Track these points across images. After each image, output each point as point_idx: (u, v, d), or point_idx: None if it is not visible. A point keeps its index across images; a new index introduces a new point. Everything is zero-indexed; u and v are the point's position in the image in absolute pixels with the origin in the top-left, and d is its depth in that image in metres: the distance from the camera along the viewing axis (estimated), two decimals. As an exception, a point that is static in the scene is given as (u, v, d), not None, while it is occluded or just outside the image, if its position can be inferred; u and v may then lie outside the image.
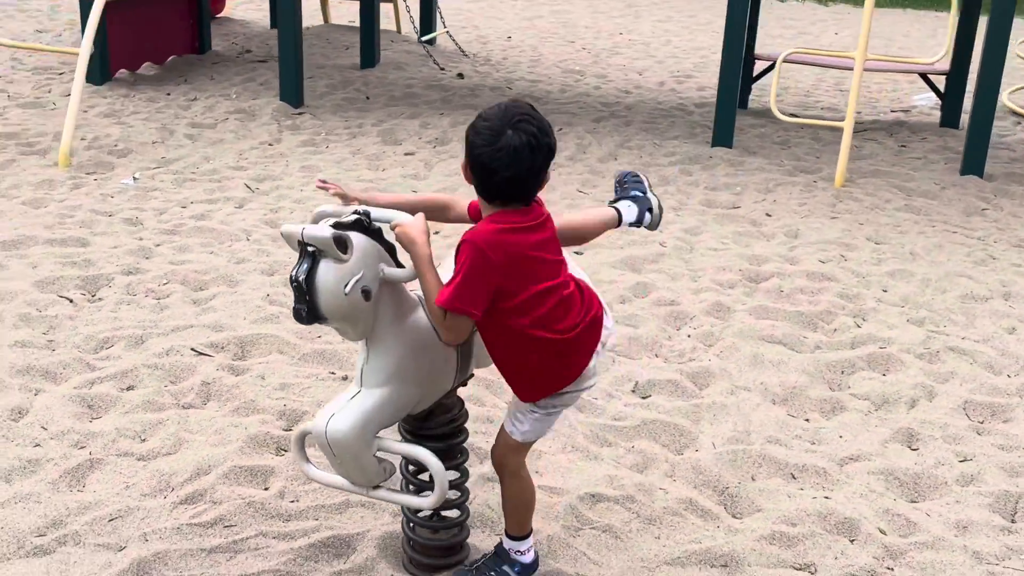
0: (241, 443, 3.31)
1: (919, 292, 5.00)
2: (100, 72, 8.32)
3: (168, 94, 8.20)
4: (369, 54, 9.60)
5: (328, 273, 2.30)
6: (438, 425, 2.71)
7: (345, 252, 2.31)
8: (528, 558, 2.82)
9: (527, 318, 2.48)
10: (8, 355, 3.80)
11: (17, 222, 5.21)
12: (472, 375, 2.81)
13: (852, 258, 5.41)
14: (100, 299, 4.40)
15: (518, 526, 2.81)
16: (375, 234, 2.44)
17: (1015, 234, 5.91)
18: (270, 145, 7.00)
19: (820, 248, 5.52)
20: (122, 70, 8.72)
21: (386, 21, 12.20)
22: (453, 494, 2.79)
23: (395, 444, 2.52)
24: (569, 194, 6.20)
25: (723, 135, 7.27)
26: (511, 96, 8.56)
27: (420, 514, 2.79)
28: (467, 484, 2.87)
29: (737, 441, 3.63)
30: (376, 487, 2.54)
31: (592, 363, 2.64)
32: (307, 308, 2.31)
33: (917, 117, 8.98)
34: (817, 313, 4.71)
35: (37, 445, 3.27)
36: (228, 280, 4.66)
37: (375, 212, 2.48)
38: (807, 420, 3.86)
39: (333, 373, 3.88)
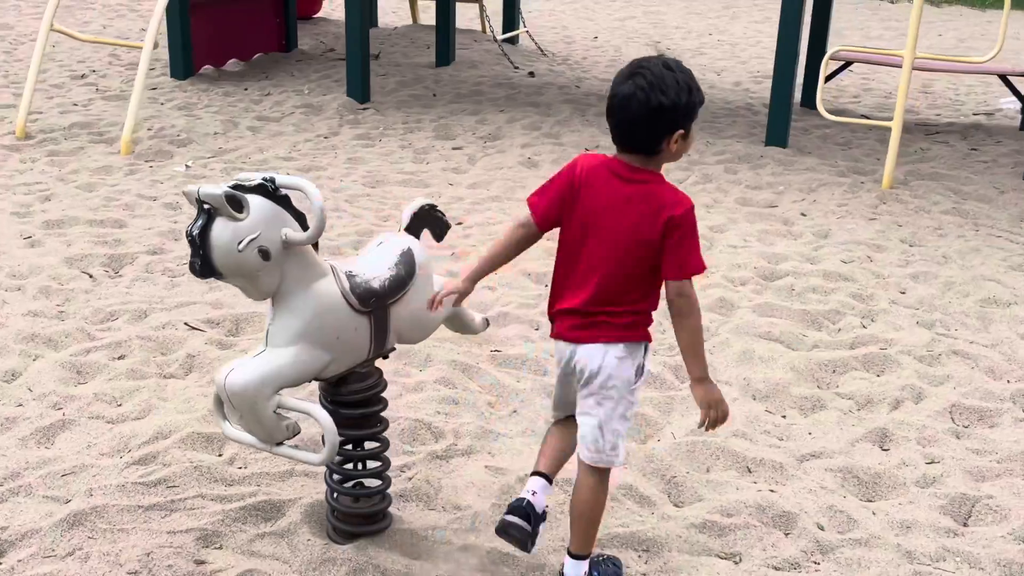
0: (205, 411, 3.49)
1: (938, 295, 4.86)
2: (183, 67, 8.74)
3: (245, 89, 8.54)
4: (444, 52, 9.78)
5: (222, 230, 2.43)
6: (351, 392, 2.81)
7: (240, 212, 2.43)
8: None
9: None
10: (19, 323, 4.08)
11: (67, 203, 5.55)
12: (394, 348, 2.90)
13: (878, 259, 5.28)
14: (120, 276, 4.67)
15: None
16: (281, 200, 2.56)
17: (1065, 239, 5.67)
18: (325, 138, 7.24)
19: (846, 249, 5.40)
20: (207, 66, 9.12)
21: (472, 22, 12.41)
22: (374, 464, 2.90)
23: (292, 401, 2.61)
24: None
25: (776, 134, 7.16)
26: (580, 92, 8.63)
27: (340, 482, 2.89)
28: (413, 461, 2.96)
29: (701, 433, 3.62)
30: (279, 443, 2.65)
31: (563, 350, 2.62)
32: (200, 261, 2.45)
33: (1000, 120, 8.64)
34: (824, 312, 4.64)
35: (20, 405, 3.51)
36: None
37: (281, 179, 2.60)
38: (783, 417, 3.82)
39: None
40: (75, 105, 7.78)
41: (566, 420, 2.75)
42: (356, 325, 2.70)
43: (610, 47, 11.65)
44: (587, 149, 6.98)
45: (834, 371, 4.15)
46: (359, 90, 8.20)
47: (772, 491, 3.28)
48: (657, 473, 3.39)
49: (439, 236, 3.08)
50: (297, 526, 2.94)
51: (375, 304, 2.72)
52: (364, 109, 8.03)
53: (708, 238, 5.49)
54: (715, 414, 2.56)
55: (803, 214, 5.96)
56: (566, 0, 15.92)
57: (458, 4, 12.36)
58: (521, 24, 11.26)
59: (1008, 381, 4.07)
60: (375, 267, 2.78)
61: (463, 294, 2.65)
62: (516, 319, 4.46)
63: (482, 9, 11.65)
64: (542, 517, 2.69)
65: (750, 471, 3.44)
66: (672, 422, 3.72)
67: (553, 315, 2.66)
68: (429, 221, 3.04)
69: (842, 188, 6.39)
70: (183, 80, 8.68)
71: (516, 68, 9.86)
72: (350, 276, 2.69)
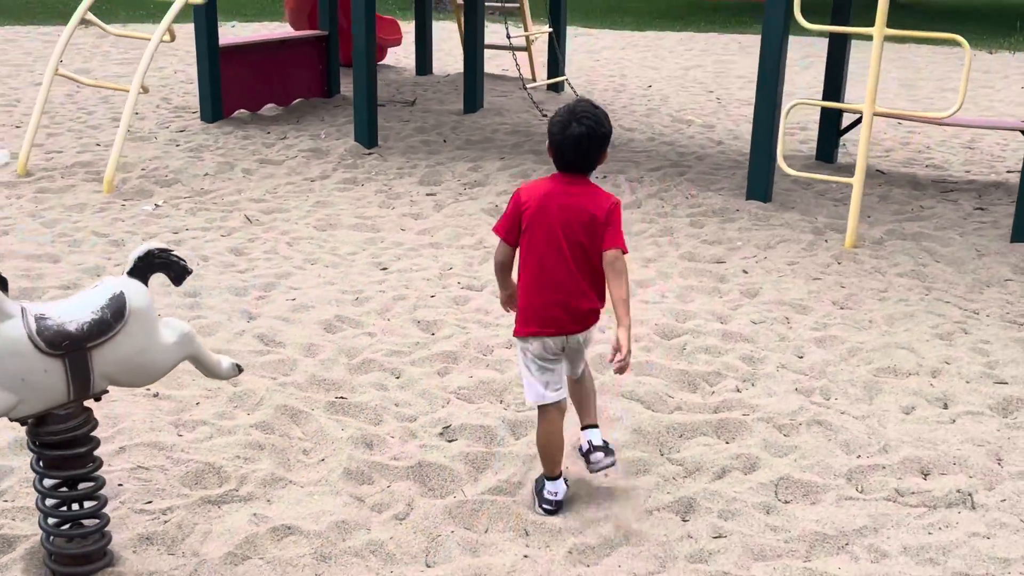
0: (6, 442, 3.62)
1: (835, 361, 4.60)
2: (212, 111, 9.13)
3: (268, 133, 8.85)
4: (472, 99, 9.90)
5: None
6: (51, 433, 2.87)
7: None
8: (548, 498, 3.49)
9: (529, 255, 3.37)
10: None
11: (16, 239, 5.86)
12: (106, 391, 2.95)
13: (795, 321, 5.05)
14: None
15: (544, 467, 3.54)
16: None
17: (1020, 308, 5.28)
18: (311, 181, 7.42)
19: (766, 309, 5.19)
20: (241, 110, 9.50)
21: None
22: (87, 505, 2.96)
23: None
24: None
25: (756, 188, 6.95)
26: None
27: (54, 524, 2.95)
28: (181, 504, 2.98)
29: (491, 490, 3.54)
30: None
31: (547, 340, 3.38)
32: None
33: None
34: (704, 374, 4.46)
35: None
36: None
37: None
38: (605, 475, 3.68)
39: (148, 389, 4.11)
40: (97, 145, 8.22)
41: (559, 413, 3.47)
42: (46, 367, 2.77)
43: (658, 96, 11.54)
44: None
45: (681, 435, 3.98)
46: (365, 135, 8.38)
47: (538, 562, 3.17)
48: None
49: (177, 280, 3.13)
50: (14, 562, 3.01)
51: (68, 347, 2.77)
52: (368, 154, 8.20)
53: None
54: (631, 359, 3.33)
55: (744, 271, 5.75)
56: (639, 46, 15.87)
57: (505, 51, 12.52)
58: (563, 70, 11.26)
59: (857, 456, 3.82)
60: (76, 310, 2.84)
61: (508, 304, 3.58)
62: (379, 366, 4.45)
63: (530, 57, 11.75)
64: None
65: (527, 533, 3.34)
66: (478, 479, 3.65)
67: (542, 317, 3.36)
68: (161, 266, 3.08)
69: (801, 246, 6.14)
70: (211, 123, 9.05)
71: (544, 115, 9.88)
72: (40, 318, 2.76)
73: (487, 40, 11.87)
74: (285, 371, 4.37)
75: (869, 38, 6.13)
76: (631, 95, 11.60)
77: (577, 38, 16.65)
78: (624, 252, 3.34)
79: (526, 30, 11.61)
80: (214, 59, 8.99)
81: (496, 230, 3.45)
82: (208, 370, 3.22)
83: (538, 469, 3.63)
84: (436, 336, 4.79)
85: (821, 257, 5.96)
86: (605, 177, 7.59)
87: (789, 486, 3.62)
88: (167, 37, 7.37)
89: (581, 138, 3.28)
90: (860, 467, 3.73)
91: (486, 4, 11.75)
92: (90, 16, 7.43)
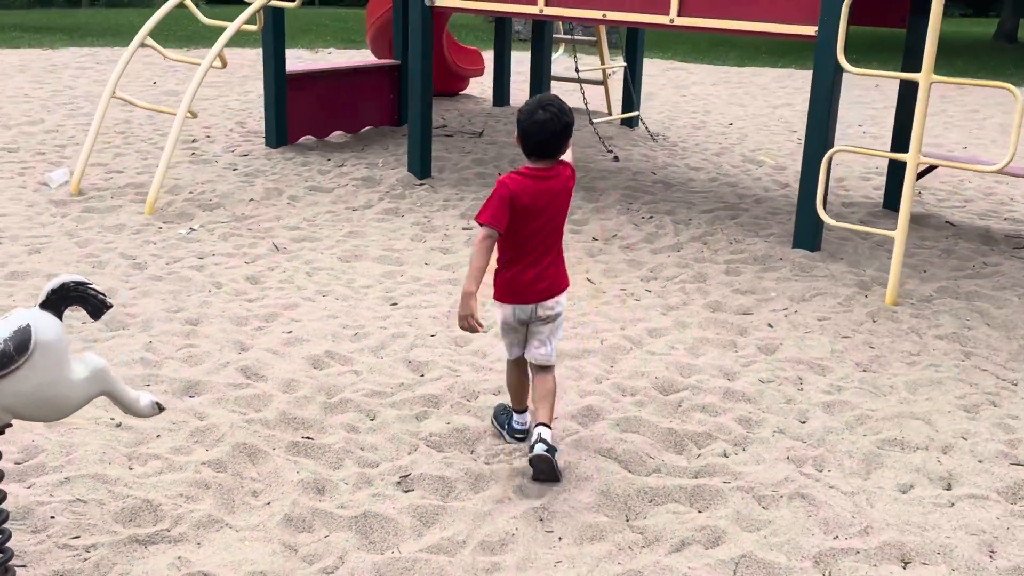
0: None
1: (840, 429, 4.28)
2: (276, 137, 9.23)
3: (328, 160, 8.90)
4: (535, 132, 9.76)
5: None
6: (-51, 467, 2.84)
7: None
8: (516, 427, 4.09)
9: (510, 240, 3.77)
10: None
11: (46, 257, 5.98)
12: (9, 424, 2.90)
13: (808, 383, 4.74)
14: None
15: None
16: None
17: (1065, 380, 4.85)
18: (353, 210, 7.41)
19: (780, 367, 4.89)
20: (308, 136, 9.59)
21: (600, 103, 12.35)
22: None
23: None
24: (583, 247, 5.98)
25: (803, 236, 6.61)
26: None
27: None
28: (108, 541, 2.93)
29: (430, 548, 3.37)
30: None
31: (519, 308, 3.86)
32: None
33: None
34: (694, 434, 4.21)
35: None
36: (131, 320, 5.05)
37: None
38: (560, 539, 3.48)
39: (113, 418, 4.09)
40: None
41: (520, 363, 4.01)
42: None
43: (736, 135, 11.22)
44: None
45: (651, 500, 3.75)
46: (418, 166, 8.34)
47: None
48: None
49: (95, 314, 3.07)
50: (-76, 589, 2.98)
51: (-36, 379, 2.74)
52: (419, 185, 8.15)
53: (635, 341, 5.14)
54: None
55: (769, 325, 5.45)
56: (731, 82, 15.52)
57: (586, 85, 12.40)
58: (637, 105, 11.05)
59: (834, 537, 3.52)
60: (-23, 342, 2.81)
61: (471, 312, 3.71)
62: (356, 407, 4.34)
63: (607, 92, 11.58)
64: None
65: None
66: (421, 533, 3.49)
67: (519, 290, 3.83)
68: (77, 299, 3.03)
69: (838, 300, 5.80)
70: (275, 148, 9.16)
71: (609, 151, 9.70)
72: (-64, 350, 2.73)
73: (564, 72, 11.77)
74: (257, 407, 4.29)
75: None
76: (708, 132, 11.30)
77: (669, 72, 16.43)
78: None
79: (602, 63, 11.45)
80: (280, 85, 9.10)
81: (485, 219, 3.70)
82: (125, 408, 3.15)
83: (491, 525, 3.48)
84: (424, 378, 4.65)
85: (856, 313, 5.61)
86: (652, 217, 7.36)
87: (750, 565, 3.35)
88: (218, 63, 7.46)
89: (546, 123, 3.66)
90: (833, 549, 3.42)
91: (564, 36, 11.66)
92: (149, 40, 7.59)
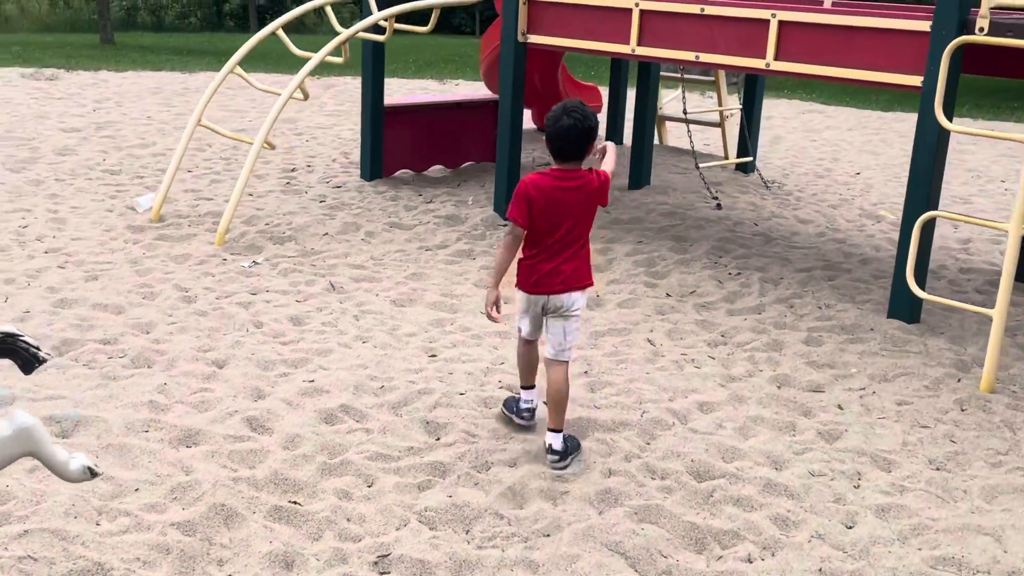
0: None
1: (889, 539, 3.73)
2: (370, 170, 9.12)
3: (419, 194, 8.72)
4: (636, 174, 9.36)
5: None
6: None
7: None
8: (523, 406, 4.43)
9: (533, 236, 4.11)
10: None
11: (100, 285, 5.95)
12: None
13: (867, 479, 4.19)
14: (47, 358, 4.89)
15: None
16: None
17: None
18: (426, 250, 7.17)
19: (839, 459, 4.34)
20: (405, 170, 9.45)
21: (714, 146, 11.82)
22: None
23: None
24: (653, 303, 5.55)
25: (899, 305, 5.99)
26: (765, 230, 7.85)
27: None
28: None
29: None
30: None
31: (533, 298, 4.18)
32: None
33: None
34: (721, 532, 3.75)
35: None
36: (158, 357, 4.90)
37: None
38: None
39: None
40: (249, 195, 8.37)
41: (529, 343, 4.34)
42: None
43: (861, 185, 10.50)
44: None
45: (649, 612, 3.31)
46: (504, 206, 8.05)
47: None
48: None
49: (25, 368, 2.88)
50: None
51: None
52: (503, 225, 7.86)
53: (681, 415, 4.68)
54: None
55: (839, 407, 4.89)
56: (869, 127, 14.68)
57: (698, 127, 11.90)
58: (753, 150, 10.47)
59: None
60: None
61: (490, 303, 4.13)
62: (356, 470, 4.04)
63: (724, 135, 11.05)
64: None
65: None
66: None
67: (536, 280, 4.14)
68: (8, 352, 2.85)
69: (926, 382, 5.18)
70: (369, 181, 9.05)
71: (714, 198, 9.19)
72: None
73: (676, 112, 11.30)
74: (251, 463, 4.05)
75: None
76: (831, 182, 10.63)
77: (804, 115, 15.70)
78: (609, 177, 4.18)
79: (719, 104, 10.94)
80: (376, 118, 9.00)
81: (512, 216, 4.07)
82: (54, 471, 2.94)
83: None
84: (438, 442, 4.33)
85: (943, 399, 4.99)
86: (739, 273, 6.85)
87: None
88: (299, 95, 7.38)
89: (570, 129, 3.98)
90: None
91: (675, 75, 11.20)
92: (238, 70, 7.57)
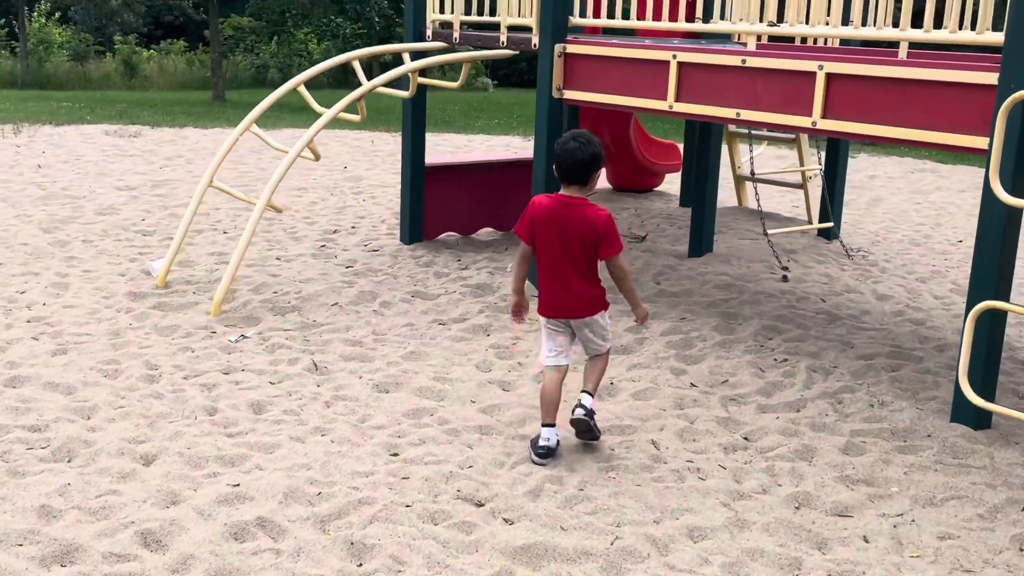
0: None
1: None
2: (409, 232, 8.60)
3: (458, 260, 8.14)
4: (697, 240, 8.55)
5: None
6: None
7: None
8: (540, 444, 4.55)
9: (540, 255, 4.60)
10: None
11: (66, 360, 5.51)
12: None
13: (875, 645, 3.31)
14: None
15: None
16: None
17: None
18: (439, 324, 6.54)
19: (845, 612, 3.47)
20: (451, 233, 8.89)
21: (797, 209, 10.91)
22: None
23: None
24: (674, 393, 4.77)
25: (963, 408, 5.03)
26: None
27: None
28: None
29: None
30: None
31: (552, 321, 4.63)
32: None
33: None
34: None
35: None
36: (83, 448, 4.38)
37: None
38: None
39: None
40: (276, 259, 7.93)
41: (558, 373, 4.62)
42: None
43: (960, 256, 9.39)
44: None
45: None
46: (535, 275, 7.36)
47: None
48: None
49: None
50: None
51: None
52: (535, 296, 7.16)
53: (661, 544, 3.87)
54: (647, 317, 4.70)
55: (865, 539, 4.00)
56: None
57: (781, 188, 11.05)
58: (835, 214, 9.50)
59: None
60: None
61: (517, 305, 4.76)
62: None
63: (807, 198, 10.13)
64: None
65: None
66: None
67: (544, 303, 4.65)
68: None
69: (981, 509, 4.23)
70: (408, 244, 8.52)
71: (783, 268, 8.30)
72: None
73: (751, 170, 10.43)
74: (121, 591, 3.45)
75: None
76: (927, 251, 9.56)
77: (912, 175, 14.53)
78: (619, 251, 4.48)
79: (801, 164, 10.03)
80: (417, 179, 8.48)
81: (517, 231, 4.62)
82: None
83: None
84: (359, 569, 3.65)
85: (999, 535, 4.04)
86: (786, 360, 5.98)
87: None
88: (309, 155, 6.90)
89: (575, 152, 4.39)
90: None
91: (753, 132, 10.35)
92: (255, 129, 7.16)
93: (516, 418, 5.06)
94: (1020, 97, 4.12)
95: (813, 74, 5.53)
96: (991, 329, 4.93)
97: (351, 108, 7.04)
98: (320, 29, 30.14)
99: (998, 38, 4.80)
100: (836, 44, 7.72)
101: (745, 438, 4.96)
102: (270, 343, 6.01)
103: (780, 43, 7.63)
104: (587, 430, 4.58)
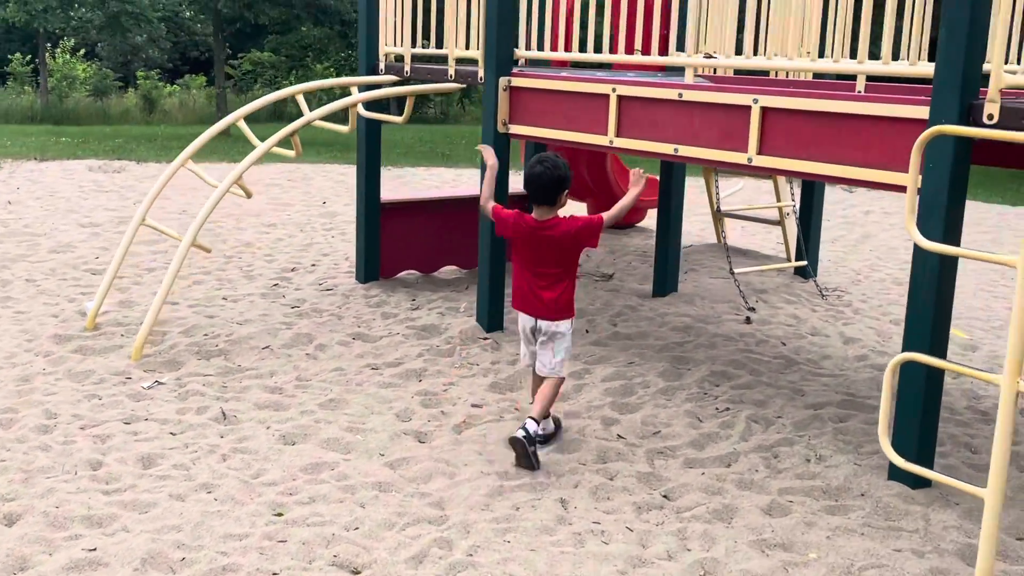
0: None
1: None
2: (364, 271, 8.35)
3: (413, 299, 7.87)
4: (661, 280, 8.25)
5: None
6: None
7: None
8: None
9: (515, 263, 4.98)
10: None
11: (-36, 408, 5.28)
12: None
13: None
14: None
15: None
16: None
17: None
18: (372, 369, 6.26)
19: None
20: (410, 271, 8.63)
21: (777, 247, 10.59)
22: None
23: None
24: (597, 446, 4.45)
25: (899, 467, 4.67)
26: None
27: None
28: None
29: None
30: None
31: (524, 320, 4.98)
32: None
33: None
34: None
35: None
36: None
37: None
38: None
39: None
40: (223, 299, 7.69)
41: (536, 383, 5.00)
42: None
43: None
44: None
45: None
46: (486, 316, 7.09)
47: None
48: None
49: None
50: None
51: None
52: (484, 339, 6.89)
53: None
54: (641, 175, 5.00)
55: (766, 614, 3.66)
56: (983, 226, 13.05)
57: (759, 224, 10.73)
58: (806, 253, 9.15)
59: None
60: None
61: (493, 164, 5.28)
62: None
63: (785, 235, 9.80)
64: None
65: None
66: None
67: (516, 294, 5.00)
68: None
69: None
70: (363, 283, 8.27)
71: (750, 308, 7.97)
72: None
73: (717, 206, 10.10)
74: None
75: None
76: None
77: (909, 209, 14.14)
78: (601, 228, 4.84)
79: (777, 199, 9.72)
80: (372, 214, 8.24)
81: (496, 212, 5.04)
82: None
83: None
84: (198, 648, 3.35)
85: (917, 610, 3.68)
86: (727, 409, 5.65)
87: None
88: (239, 191, 6.66)
89: (541, 175, 4.74)
90: None
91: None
92: (191, 165, 6.95)
93: (421, 474, 4.75)
94: (936, 132, 3.80)
95: (748, 108, 5.25)
96: (926, 381, 4.59)
97: (285, 143, 6.80)
98: (339, 63, 30.17)
99: (930, 69, 4.50)
100: (809, 78, 7.39)
101: (665, 496, 4.62)
102: (184, 390, 5.74)
103: (753, 75, 7.33)
104: (524, 455, 4.66)
